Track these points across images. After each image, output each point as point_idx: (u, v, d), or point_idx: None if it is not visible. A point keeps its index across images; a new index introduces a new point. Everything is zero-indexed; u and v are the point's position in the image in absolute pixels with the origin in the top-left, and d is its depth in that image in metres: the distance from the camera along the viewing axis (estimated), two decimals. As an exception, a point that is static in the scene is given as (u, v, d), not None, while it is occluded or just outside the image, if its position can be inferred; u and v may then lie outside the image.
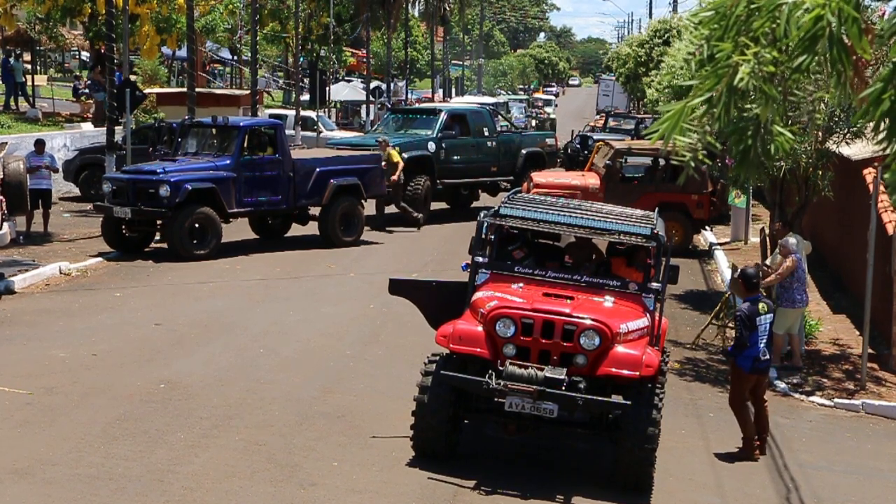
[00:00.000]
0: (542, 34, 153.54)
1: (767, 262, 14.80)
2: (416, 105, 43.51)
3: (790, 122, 12.06)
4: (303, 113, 39.11)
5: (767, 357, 10.76)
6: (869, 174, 15.42)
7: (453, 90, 79.88)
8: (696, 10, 3.19)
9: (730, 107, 2.98)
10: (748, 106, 3.06)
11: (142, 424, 10.11)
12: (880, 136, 3.04)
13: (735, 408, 10.86)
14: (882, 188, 13.81)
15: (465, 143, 26.34)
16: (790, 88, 3.10)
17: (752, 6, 2.92)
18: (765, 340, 10.70)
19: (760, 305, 10.75)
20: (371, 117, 47.07)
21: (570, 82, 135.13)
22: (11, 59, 36.85)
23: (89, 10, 32.55)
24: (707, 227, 24.44)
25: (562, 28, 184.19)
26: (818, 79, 3.11)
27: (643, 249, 10.51)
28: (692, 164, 3.18)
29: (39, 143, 21.41)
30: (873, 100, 2.92)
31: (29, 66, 42.46)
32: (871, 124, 3.03)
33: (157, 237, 20.07)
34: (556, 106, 77.58)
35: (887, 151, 3.12)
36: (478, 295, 9.89)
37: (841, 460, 11.30)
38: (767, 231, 16.50)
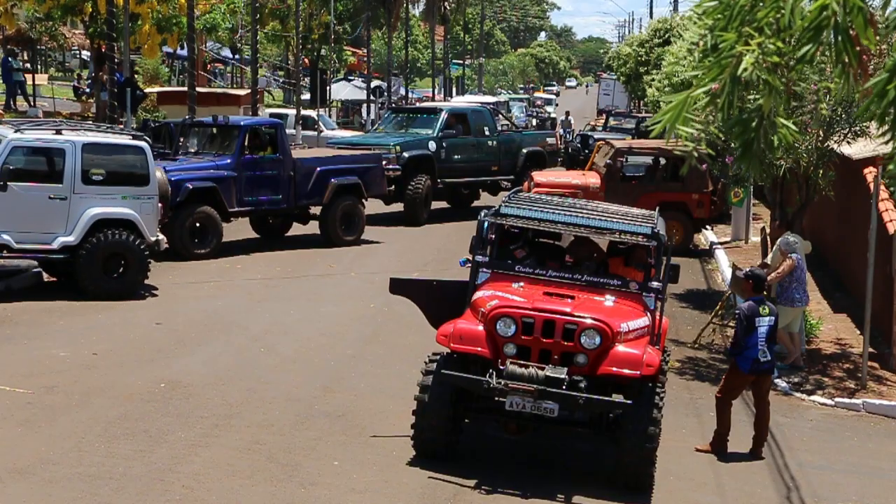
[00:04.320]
0: (542, 33, 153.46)
1: (766, 260, 14.80)
2: (417, 104, 43.48)
3: (793, 113, 12.00)
4: (303, 112, 39.07)
5: (769, 358, 10.74)
6: (870, 173, 15.40)
7: (454, 89, 79.76)
8: (700, 1, 3.16)
9: (733, 97, 2.96)
10: (751, 97, 3.03)
11: (142, 424, 10.11)
12: (885, 128, 3.01)
13: (719, 401, 10.84)
14: (882, 184, 13.79)
15: (466, 143, 26.31)
16: (794, 79, 3.08)
17: None
18: (765, 342, 10.67)
19: (762, 307, 10.73)
20: (371, 116, 47.04)
21: (568, 83, 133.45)
22: (11, 59, 36.82)
23: (90, 9, 32.53)
24: (708, 227, 24.44)
25: (562, 27, 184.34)
26: (822, 69, 3.11)
27: (644, 248, 10.50)
28: (695, 154, 3.16)
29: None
30: (878, 90, 2.89)
31: (29, 66, 42.43)
32: (874, 120, 3.01)
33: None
34: (556, 105, 77.55)
35: (890, 146, 3.10)
36: (478, 294, 9.88)
37: (841, 459, 11.30)
38: (768, 230, 16.49)
